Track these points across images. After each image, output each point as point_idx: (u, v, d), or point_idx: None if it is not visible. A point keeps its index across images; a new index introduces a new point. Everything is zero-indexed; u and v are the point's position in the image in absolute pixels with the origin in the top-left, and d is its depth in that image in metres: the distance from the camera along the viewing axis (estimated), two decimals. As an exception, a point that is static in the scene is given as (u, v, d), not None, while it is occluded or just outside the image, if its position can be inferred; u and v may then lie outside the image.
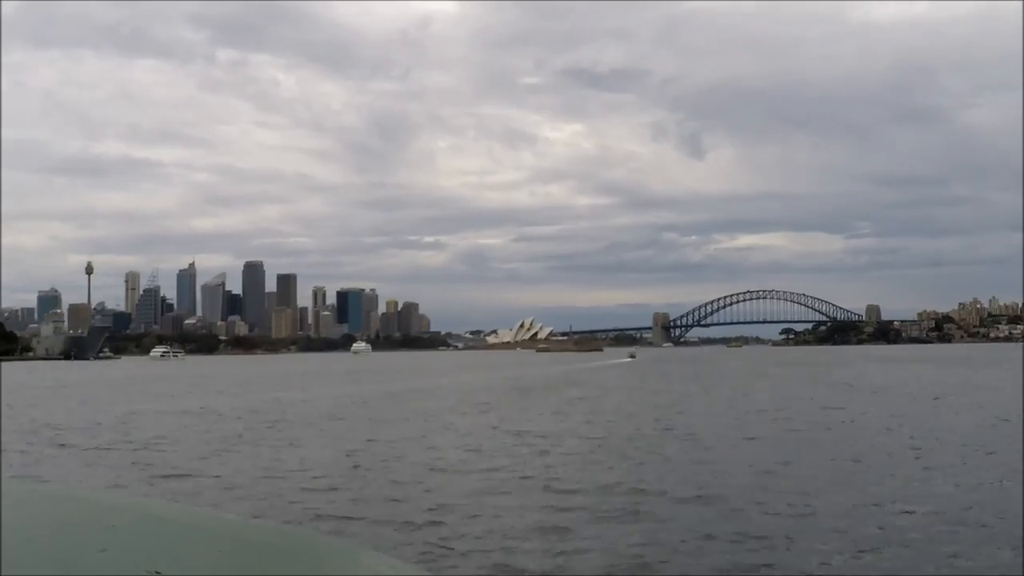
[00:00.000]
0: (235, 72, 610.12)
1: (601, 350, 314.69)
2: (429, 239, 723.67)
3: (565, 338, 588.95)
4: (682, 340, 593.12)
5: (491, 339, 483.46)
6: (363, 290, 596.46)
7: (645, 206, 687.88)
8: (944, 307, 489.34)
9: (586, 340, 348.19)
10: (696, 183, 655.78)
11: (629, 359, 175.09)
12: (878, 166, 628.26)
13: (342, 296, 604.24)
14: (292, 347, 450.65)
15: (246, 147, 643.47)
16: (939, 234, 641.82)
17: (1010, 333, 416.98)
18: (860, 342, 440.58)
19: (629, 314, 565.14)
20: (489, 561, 12.48)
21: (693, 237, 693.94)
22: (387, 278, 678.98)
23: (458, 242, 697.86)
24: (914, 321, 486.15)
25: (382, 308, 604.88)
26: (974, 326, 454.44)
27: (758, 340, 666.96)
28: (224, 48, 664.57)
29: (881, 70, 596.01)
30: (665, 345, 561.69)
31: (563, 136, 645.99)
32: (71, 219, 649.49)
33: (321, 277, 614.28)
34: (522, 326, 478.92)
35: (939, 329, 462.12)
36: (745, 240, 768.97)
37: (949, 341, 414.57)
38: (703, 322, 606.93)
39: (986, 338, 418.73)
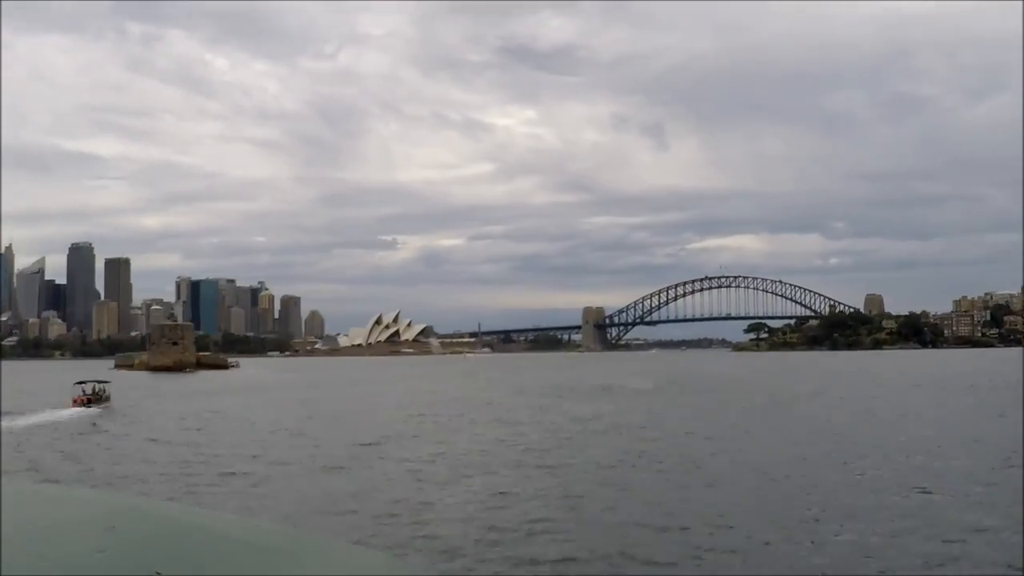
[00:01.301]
0: (152, 49, 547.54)
1: (227, 367, 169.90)
2: (386, 238, 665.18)
3: (473, 339, 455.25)
4: (621, 343, 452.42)
5: (343, 340, 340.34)
6: (220, 280, 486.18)
7: (609, 204, 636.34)
8: (939, 309, 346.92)
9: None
10: (661, 178, 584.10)
11: None
12: (855, 159, 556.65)
13: (195, 288, 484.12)
14: (58, 353, 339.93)
15: (188, 138, 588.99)
16: (922, 235, 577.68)
17: None
18: (877, 344, 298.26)
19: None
20: None
21: (659, 238, 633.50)
22: (344, 279, 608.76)
23: (416, 241, 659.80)
24: (958, 313, 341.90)
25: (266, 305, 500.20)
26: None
27: (724, 342, 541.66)
28: (131, 21, 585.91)
29: (859, 53, 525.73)
30: (594, 349, 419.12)
31: (514, 123, 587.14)
32: (14, 218, 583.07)
33: (274, 279, 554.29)
34: (378, 322, 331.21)
35: (998, 324, 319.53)
36: (714, 242, 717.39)
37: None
38: (648, 319, 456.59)
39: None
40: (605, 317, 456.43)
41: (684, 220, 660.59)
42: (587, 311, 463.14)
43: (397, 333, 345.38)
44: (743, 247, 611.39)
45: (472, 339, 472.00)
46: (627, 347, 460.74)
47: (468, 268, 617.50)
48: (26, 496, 2.22)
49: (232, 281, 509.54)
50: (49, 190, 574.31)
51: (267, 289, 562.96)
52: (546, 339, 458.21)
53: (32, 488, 2.45)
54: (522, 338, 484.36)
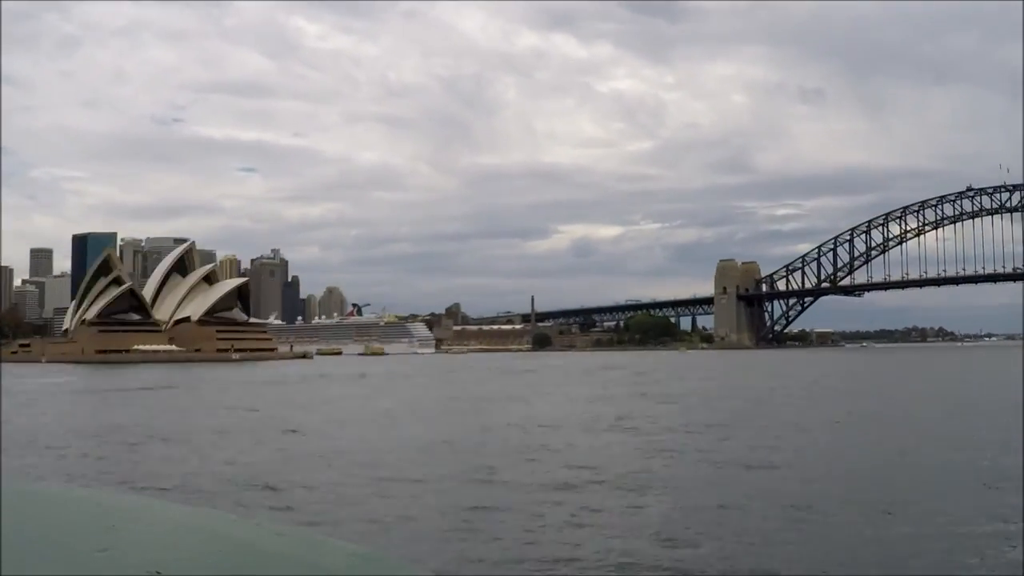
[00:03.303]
0: (225, 11, 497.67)
1: None
2: (536, 227, 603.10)
3: (522, 325, 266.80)
4: (790, 336, 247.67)
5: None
6: (114, 234, 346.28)
7: (770, 186, 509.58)
8: None
9: None
10: (823, 155, 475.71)
11: None
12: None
13: (79, 247, 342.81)
14: None
15: (304, 117, 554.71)
16: None
17: None
18: None
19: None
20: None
21: (828, 223, 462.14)
22: (491, 272, 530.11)
23: (569, 229, 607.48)
24: None
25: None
26: None
27: (943, 334, 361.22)
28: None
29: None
30: (739, 344, 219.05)
31: (652, 88, 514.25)
32: (141, 212, 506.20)
33: (419, 271, 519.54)
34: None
35: None
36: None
37: None
38: (840, 281, 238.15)
39: None
40: (759, 280, 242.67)
41: (855, 205, 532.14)
42: (724, 268, 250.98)
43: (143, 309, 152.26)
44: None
45: (522, 325, 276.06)
46: (804, 341, 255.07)
47: (621, 259, 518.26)
48: (26, 496, 2.19)
49: (184, 241, 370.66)
50: (171, 181, 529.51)
51: (278, 258, 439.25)
52: (650, 324, 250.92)
53: (32, 488, 2.45)
54: (610, 322, 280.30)
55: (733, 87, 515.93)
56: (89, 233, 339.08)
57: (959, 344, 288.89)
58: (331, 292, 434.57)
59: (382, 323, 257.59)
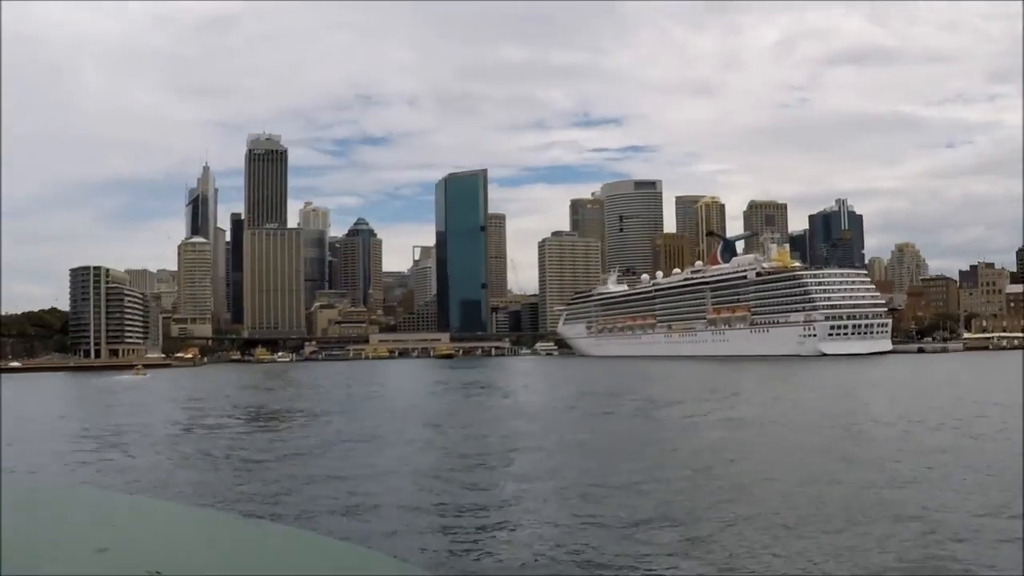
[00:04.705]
0: None
1: None
2: None
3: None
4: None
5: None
6: (484, 171, 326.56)
7: None
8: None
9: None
10: None
11: None
12: None
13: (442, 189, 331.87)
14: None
15: (939, 86, 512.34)
16: None
17: None
18: None
19: None
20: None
21: None
22: None
23: None
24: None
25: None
26: None
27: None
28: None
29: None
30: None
31: None
32: (800, 202, 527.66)
33: None
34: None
35: None
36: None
37: None
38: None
39: None
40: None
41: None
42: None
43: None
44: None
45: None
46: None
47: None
48: (26, 496, 2.18)
49: (650, 185, 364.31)
50: (814, 167, 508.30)
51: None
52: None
53: (32, 488, 2.38)
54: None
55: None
56: (450, 174, 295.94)
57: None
58: (902, 251, 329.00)
59: (754, 274, 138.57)
